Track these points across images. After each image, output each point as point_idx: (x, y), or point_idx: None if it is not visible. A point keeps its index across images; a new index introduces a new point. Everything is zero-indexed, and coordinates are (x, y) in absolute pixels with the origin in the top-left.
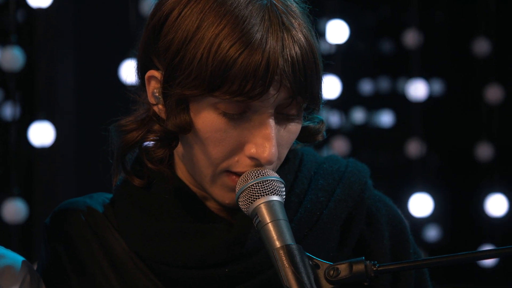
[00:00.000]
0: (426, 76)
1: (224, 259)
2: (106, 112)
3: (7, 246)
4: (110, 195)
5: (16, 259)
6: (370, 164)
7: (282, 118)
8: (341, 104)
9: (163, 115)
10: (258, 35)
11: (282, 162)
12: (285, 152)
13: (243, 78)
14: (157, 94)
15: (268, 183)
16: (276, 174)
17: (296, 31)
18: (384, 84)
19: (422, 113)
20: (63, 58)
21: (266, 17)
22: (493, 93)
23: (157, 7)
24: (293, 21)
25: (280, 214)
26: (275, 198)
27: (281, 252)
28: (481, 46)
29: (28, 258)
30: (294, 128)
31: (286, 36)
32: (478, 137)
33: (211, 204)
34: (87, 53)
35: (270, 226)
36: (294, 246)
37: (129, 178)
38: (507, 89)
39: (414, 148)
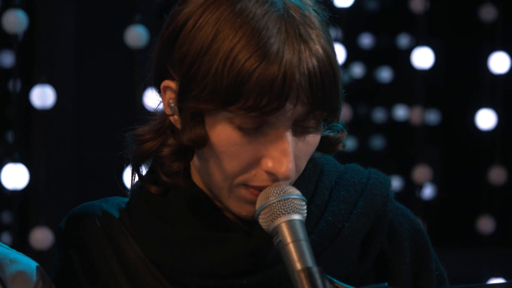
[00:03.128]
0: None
1: (242, 270)
2: (107, 76)
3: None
4: (125, 199)
5: (29, 264)
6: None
7: (300, 130)
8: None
9: (178, 125)
10: (275, 48)
11: (303, 174)
12: (303, 164)
13: (259, 92)
14: (172, 105)
15: (290, 201)
16: (298, 192)
17: (314, 42)
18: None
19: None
20: (64, 21)
21: (282, 29)
22: (498, 61)
23: (172, 17)
24: (311, 32)
25: (301, 234)
26: (297, 217)
27: (302, 275)
28: (488, 12)
29: (24, 225)
30: (313, 140)
31: (303, 49)
32: (480, 106)
33: (229, 213)
34: (88, 17)
35: (291, 247)
36: (315, 269)
37: (146, 186)
38: None
39: (417, 115)
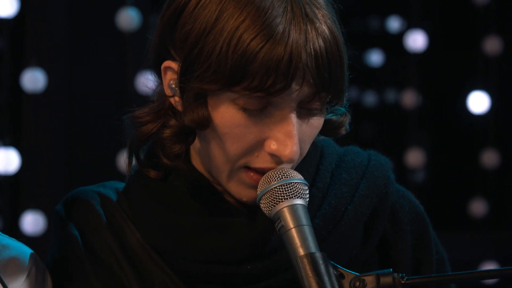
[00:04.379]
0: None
1: (246, 256)
2: (98, 59)
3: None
4: (122, 184)
5: (21, 250)
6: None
7: (304, 112)
8: None
9: (179, 107)
10: (280, 28)
11: (305, 157)
12: (307, 147)
13: (265, 73)
14: (173, 86)
15: (292, 185)
16: (300, 176)
17: (320, 22)
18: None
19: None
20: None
21: (288, 8)
22: (492, 44)
23: None
24: (317, 12)
25: (304, 219)
26: (299, 201)
27: (305, 260)
28: None
29: (16, 210)
30: (317, 122)
31: (309, 29)
32: (473, 88)
33: (230, 198)
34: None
35: (294, 232)
36: (318, 255)
37: (145, 171)
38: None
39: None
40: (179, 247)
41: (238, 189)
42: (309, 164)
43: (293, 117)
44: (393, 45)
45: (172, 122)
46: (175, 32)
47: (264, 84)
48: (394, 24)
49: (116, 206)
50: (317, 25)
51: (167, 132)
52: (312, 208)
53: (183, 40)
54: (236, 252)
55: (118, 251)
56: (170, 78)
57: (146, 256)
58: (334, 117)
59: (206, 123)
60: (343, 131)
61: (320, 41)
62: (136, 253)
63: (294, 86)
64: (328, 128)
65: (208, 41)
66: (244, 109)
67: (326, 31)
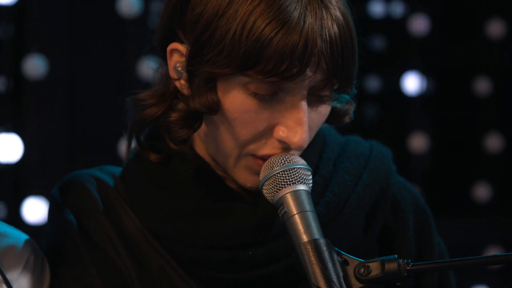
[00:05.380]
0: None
1: (248, 242)
2: (99, 45)
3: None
4: (119, 169)
5: (19, 238)
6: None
7: (314, 100)
8: None
9: (185, 91)
10: (296, 13)
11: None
12: (313, 134)
13: (279, 58)
14: (179, 69)
15: (295, 171)
16: (303, 161)
17: (334, 8)
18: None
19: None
20: None
21: None
22: (495, 28)
23: None
24: None
25: (307, 205)
26: (302, 187)
27: (308, 247)
28: None
29: (18, 196)
30: (325, 110)
31: (325, 14)
32: (477, 72)
33: (232, 184)
34: None
35: (297, 218)
36: (322, 241)
37: (145, 153)
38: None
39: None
40: (179, 231)
41: (244, 175)
42: (311, 151)
43: (304, 104)
44: (396, 29)
45: (180, 105)
46: (185, 14)
47: (278, 69)
48: (396, 8)
49: (113, 191)
50: (332, 11)
51: (175, 116)
52: (315, 195)
53: (194, 23)
54: (237, 237)
55: (115, 236)
56: (176, 61)
57: (144, 241)
58: (339, 105)
59: (216, 108)
60: (347, 119)
61: (335, 27)
62: (133, 238)
63: (308, 72)
64: (333, 116)
65: (220, 24)
66: (255, 94)
67: (340, 17)
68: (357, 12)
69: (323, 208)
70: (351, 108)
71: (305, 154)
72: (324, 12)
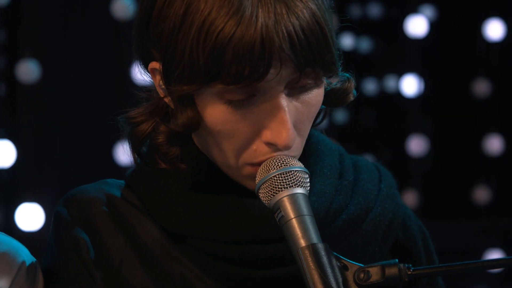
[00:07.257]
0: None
1: (267, 236)
2: (93, 49)
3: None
4: (121, 181)
5: (11, 244)
6: None
7: (297, 92)
8: None
9: (173, 106)
10: (248, 13)
11: (324, 151)
12: (308, 127)
13: (239, 62)
14: (163, 87)
15: (292, 174)
16: (300, 164)
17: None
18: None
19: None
20: None
21: None
22: (493, 29)
23: None
24: None
25: (305, 208)
26: (299, 190)
27: (306, 252)
28: None
29: (11, 203)
30: (314, 99)
31: (279, 9)
32: (475, 73)
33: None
34: None
35: (294, 222)
36: (320, 246)
37: (153, 164)
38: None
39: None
40: (202, 226)
41: (249, 183)
42: (332, 156)
43: (283, 101)
44: (393, 31)
45: (162, 128)
46: (150, 34)
47: (241, 75)
48: (394, 10)
49: (123, 203)
50: (289, 3)
51: (160, 138)
52: (345, 198)
53: (158, 41)
54: (260, 232)
55: (129, 251)
56: (158, 79)
57: (162, 251)
58: (337, 86)
59: (196, 125)
60: (351, 97)
61: (293, 19)
62: (150, 250)
63: (273, 71)
64: (333, 99)
65: (179, 39)
66: (231, 102)
67: (300, 5)
68: (356, 14)
69: (352, 212)
70: (351, 85)
71: (325, 155)
72: (278, 6)
